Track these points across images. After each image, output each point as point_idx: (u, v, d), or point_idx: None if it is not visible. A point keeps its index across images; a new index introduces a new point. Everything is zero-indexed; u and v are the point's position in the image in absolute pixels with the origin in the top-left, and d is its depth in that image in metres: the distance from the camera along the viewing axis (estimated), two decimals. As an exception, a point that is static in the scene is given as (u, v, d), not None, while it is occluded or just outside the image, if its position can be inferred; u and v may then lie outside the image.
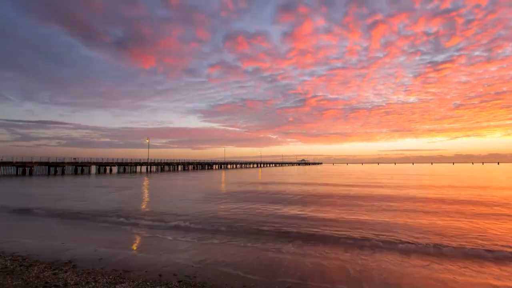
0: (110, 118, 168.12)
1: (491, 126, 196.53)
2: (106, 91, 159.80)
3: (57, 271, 5.59)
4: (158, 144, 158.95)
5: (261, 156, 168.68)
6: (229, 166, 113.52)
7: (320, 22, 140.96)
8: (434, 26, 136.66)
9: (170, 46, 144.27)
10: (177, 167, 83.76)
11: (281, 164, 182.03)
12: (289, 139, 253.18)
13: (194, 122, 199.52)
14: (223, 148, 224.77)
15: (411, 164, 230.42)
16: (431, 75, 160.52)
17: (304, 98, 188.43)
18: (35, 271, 5.54)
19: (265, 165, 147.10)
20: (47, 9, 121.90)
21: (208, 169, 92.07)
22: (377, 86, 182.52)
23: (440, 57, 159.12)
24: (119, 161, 66.88)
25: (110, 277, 5.31)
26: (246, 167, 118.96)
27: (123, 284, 4.96)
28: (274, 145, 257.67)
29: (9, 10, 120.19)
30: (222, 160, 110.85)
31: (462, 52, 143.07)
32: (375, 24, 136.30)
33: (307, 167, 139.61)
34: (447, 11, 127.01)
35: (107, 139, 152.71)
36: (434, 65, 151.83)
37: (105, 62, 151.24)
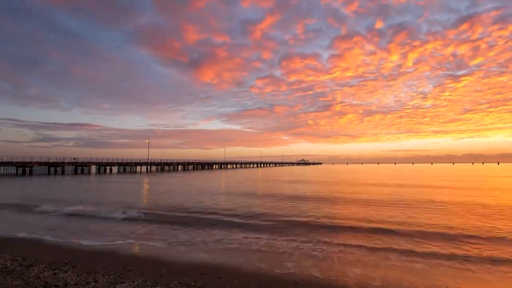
0: (139, 121, 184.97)
1: (495, 128, 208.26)
2: (150, 97, 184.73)
3: (57, 271, 5.58)
4: (170, 144, 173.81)
5: (261, 156, 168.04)
6: (229, 166, 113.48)
7: (369, 47, 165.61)
8: (462, 50, 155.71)
9: (234, 64, 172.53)
10: (177, 167, 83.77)
11: (281, 164, 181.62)
12: (300, 140, 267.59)
13: (216, 125, 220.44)
14: (233, 148, 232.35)
15: (411, 164, 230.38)
16: (450, 85, 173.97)
17: (330, 104, 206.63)
18: (35, 271, 5.53)
19: (265, 165, 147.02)
20: (146, 39, 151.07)
21: (208, 169, 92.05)
22: (399, 94, 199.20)
23: (461, 72, 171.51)
24: (119, 161, 66.92)
25: (110, 277, 5.31)
26: (246, 167, 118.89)
27: (123, 284, 4.96)
28: (281, 145, 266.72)
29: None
30: (223, 159, 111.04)
31: (481, 68, 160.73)
32: (412, 48, 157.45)
33: (312, 167, 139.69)
34: (475, 40, 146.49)
35: (125, 140, 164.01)
36: (455, 77, 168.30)
37: (169, 76, 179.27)
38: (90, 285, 4.89)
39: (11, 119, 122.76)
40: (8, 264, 5.98)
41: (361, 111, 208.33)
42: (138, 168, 72.17)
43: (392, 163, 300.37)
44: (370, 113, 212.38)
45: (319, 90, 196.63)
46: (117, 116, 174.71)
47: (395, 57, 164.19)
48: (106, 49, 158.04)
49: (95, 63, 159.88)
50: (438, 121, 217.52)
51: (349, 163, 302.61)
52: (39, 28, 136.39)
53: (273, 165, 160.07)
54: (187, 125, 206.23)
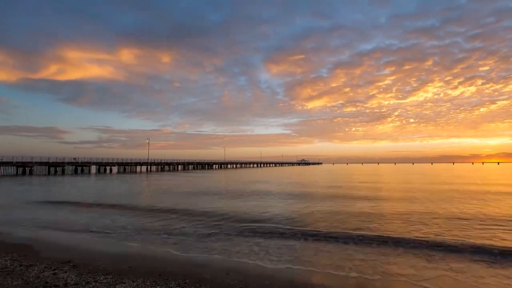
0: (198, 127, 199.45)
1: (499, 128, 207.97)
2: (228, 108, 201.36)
3: (57, 271, 5.59)
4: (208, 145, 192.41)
5: (261, 157, 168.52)
6: (229, 166, 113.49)
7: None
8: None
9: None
10: (177, 167, 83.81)
11: (281, 164, 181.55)
12: (316, 140, 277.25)
13: (266, 130, 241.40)
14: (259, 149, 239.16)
15: (411, 164, 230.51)
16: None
17: (377, 113, 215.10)
18: (35, 271, 5.54)
19: (264, 165, 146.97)
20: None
21: (208, 168, 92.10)
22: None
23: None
24: (119, 161, 66.91)
25: (110, 276, 5.32)
26: (246, 167, 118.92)
27: (123, 284, 4.96)
28: (285, 145, 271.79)
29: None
30: (222, 160, 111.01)
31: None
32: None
33: (318, 166, 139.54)
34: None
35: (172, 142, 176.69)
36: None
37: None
38: (90, 285, 4.90)
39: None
40: (8, 264, 5.99)
41: (396, 119, 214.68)
42: (138, 168, 72.19)
43: (392, 162, 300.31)
44: (402, 117, 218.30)
45: (375, 105, 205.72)
46: (194, 125, 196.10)
47: (456, 92, 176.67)
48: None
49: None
50: (449, 123, 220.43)
51: (349, 163, 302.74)
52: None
53: (273, 165, 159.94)
54: (243, 131, 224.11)
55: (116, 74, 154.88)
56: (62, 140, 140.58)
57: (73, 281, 5.06)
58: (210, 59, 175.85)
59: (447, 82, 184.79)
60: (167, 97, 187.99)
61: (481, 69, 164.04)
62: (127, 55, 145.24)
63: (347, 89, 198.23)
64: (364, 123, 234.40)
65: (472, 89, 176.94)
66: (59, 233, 9.13)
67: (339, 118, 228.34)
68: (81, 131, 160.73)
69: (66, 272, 5.54)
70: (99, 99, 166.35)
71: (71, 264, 6.03)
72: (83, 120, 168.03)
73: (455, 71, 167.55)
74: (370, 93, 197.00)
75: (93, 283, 4.98)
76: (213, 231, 9.23)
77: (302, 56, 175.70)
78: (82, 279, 5.18)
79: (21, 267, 5.78)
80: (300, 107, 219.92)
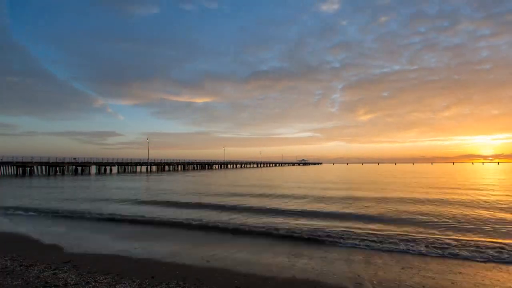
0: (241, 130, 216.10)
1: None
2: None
3: (57, 271, 5.59)
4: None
5: (261, 156, 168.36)
6: (229, 166, 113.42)
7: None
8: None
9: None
10: (177, 167, 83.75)
11: (281, 164, 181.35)
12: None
13: (295, 134, 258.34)
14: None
15: (411, 164, 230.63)
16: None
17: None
18: (35, 271, 5.54)
19: (264, 165, 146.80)
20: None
21: (208, 168, 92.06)
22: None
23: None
24: (119, 161, 66.86)
25: (110, 276, 5.31)
26: (246, 167, 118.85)
27: (123, 284, 4.96)
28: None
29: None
30: (222, 160, 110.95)
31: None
32: None
33: (319, 166, 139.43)
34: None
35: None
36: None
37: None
38: (90, 285, 4.90)
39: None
40: (8, 264, 5.99)
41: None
42: (138, 168, 72.15)
43: (392, 162, 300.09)
44: (424, 123, 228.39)
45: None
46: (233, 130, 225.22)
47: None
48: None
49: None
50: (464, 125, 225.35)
51: (349, 163, 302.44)
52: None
53: (273, 165, 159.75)
54: (277, 134, 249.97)
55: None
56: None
57: (73, 281, 5.05)
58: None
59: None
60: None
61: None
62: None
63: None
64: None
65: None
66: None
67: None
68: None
69: (66, 272, 5.54)
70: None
71: (71, 264, 6.04)
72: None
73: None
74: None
75: (93, 283, 4.98)
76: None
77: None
78: (82, 279, 5.18)
79: (21, 267, 5.77)
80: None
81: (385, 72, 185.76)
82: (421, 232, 8.81)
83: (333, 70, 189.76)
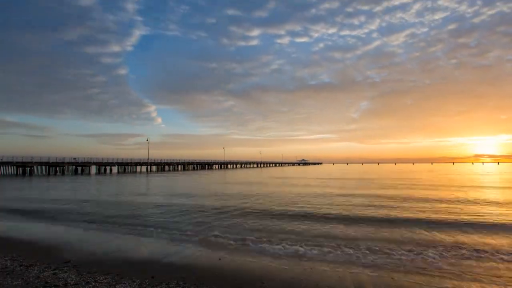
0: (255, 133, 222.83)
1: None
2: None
3: (57, 271, 5.58)
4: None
5: (261, 156, 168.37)
6: (229, 166, 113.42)
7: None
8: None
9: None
10: (177, 167, 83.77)
11: (281, 164, 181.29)
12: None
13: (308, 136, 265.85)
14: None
15: (411, 163, 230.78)
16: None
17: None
18: (35, 271, 5.53)
19: (264, 165, 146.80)
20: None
21: (208, 168, 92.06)
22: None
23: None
24: (119, 161, 66.85)
25: (110, 276, 5.31)
26: (246, 167, 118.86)
27: (123, 284, 4.96)
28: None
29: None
30: (222, 160, 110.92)
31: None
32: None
33: (324, 166, 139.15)
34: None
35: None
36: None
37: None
38: (90, 285, 4.89)
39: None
40: (8, 264, 5.98)
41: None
42: (138, 168, 72.15)
43: (393, 163, 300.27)
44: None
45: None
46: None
47: None
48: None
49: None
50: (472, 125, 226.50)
51: (348, 163, 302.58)
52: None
53: (273, 165, 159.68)
54: (296, 135, 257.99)
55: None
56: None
57: (73, 281, 5.05)
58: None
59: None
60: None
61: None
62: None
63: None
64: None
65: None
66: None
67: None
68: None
69: (66, 272, 5.54)
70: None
71: (71, 264, 6.03)
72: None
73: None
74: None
75: (93, 283, 4.98)
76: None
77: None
78: (82, 279, 5.18)
79: (21, 267, 5.77)
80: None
81: (417, 85, 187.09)
82: None
83: (373, 84, 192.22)
